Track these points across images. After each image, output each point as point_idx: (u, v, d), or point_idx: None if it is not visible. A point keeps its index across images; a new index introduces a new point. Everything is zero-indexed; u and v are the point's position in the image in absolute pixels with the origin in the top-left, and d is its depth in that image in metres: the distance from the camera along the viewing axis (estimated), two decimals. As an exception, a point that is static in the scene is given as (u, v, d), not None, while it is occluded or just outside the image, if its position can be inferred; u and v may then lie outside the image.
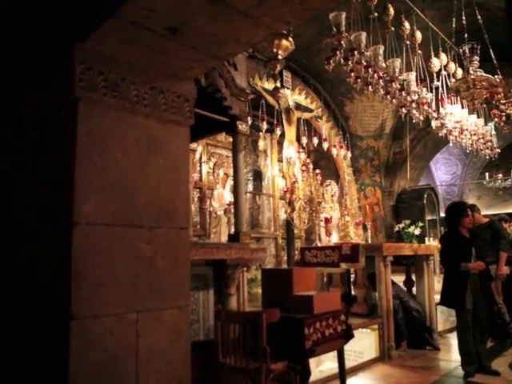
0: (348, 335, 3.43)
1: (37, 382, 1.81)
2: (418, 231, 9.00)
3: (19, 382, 1.91)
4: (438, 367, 4.64)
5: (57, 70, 1.85)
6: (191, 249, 2.22)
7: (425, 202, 9.81)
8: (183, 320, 1.97)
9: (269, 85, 6.80)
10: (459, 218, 4.33)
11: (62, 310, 1.65)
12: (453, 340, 5.86)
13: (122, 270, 1.77)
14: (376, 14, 4.68)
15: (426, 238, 9.02)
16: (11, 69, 2.16)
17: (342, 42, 4.30)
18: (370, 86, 4.83)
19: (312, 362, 3.27)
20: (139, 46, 1.81)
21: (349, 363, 3.95)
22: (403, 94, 5.08)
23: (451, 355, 5.22)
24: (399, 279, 6.08)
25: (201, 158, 7.09)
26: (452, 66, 5.77)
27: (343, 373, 3.41)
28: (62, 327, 1.63)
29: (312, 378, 3.22)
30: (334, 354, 3.46)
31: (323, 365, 4.07)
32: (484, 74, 4.93)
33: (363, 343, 4.58)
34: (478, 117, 6.77)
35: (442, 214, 12.04)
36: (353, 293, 5.56)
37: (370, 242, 7.03)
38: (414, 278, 6.00)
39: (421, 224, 9.15)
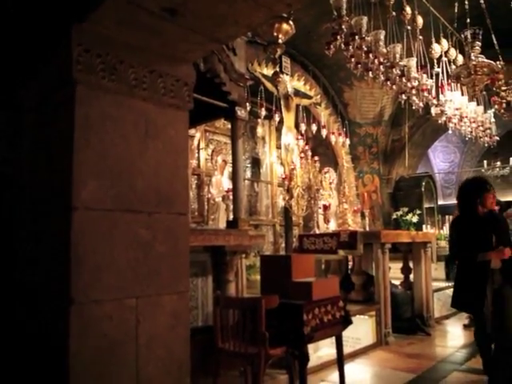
0: (346, 321, 3.44)
1: (37, 367, 1.81)
2: (415, 219, 9.06)
3: (19, 369, 1.90)
4: (434, 353, 4.68)
5: (54, 52, 1.81)
6: (190, 235, 2.21)
7: (423, 189, 9.83)
8: (183, 305, 1.97)
9: (268, 71, 6.75)
10: (480, 195, 3.35)
11: (62, 295, 1.64)
12: (449, 326, 5.93)
13: (121, 255, 1.76)
14: (377, -1, 4.62)
15: (424, 226, 9.06)
16: (9, 51, 2.12)
17: (343, 27, 4.24)
18: (370, 72, 4.80)
19: (310, 347, 3.29)
20: (137, 27, 1.77)
21: (346, 349, 3.97)
22: (403, 80, 5.05)
23: (447, 341, 5.28)
24: (397, 266, 6.11)
25: (199, 144, 7.05)
26: (453, 52, 5.72)
27: (341, 358, 3.43)
28: (62, 312, 1.62)
29: (310, 364, 3.24)
30: (332, 340, 3.48)
31: (321, 351, 4.10)
32: (485, 60, 4.89)
33: (361, 329, 4.62)
34: (478, 104, 6.74)
35: (440, 202, 12.10)
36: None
37: (367, 229, 7.04)
38: (411, 265, 6.03)
39: (418, 212, 9.22)
